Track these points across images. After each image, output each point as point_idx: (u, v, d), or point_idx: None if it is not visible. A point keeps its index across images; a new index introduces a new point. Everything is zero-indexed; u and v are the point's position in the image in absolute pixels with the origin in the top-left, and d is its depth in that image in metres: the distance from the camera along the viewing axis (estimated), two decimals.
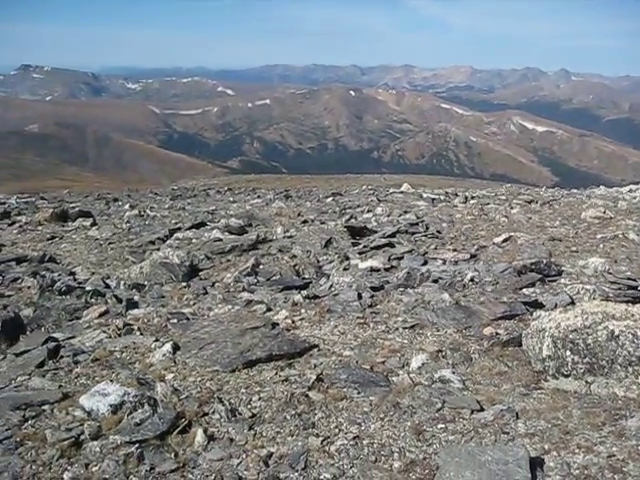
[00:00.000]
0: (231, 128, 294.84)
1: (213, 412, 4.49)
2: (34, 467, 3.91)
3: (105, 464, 3.89)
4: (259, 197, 23.76)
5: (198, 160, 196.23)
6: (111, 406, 4.47)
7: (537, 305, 6.85)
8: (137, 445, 4.06)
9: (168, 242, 11.83)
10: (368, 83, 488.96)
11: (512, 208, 15.46)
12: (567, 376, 4.88)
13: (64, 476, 3.81)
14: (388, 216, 14.68)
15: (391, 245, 10.65)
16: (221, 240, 11.33)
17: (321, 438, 4.19)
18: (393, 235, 11.38)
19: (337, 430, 4.31)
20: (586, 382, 4.78)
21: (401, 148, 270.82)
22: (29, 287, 8.81)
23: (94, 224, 14.88)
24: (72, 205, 19.96)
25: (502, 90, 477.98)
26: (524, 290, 7.55)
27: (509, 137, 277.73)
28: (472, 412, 4.47)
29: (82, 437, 4.20)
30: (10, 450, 4.10)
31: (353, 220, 13.93)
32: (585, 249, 10.15)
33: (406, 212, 15.15)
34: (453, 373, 5.09)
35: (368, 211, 16.09)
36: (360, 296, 7.26)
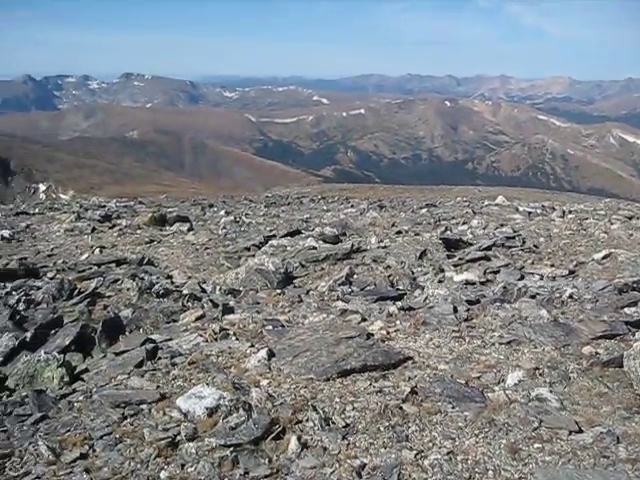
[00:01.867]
0: (325, 137, 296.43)
1: (307, 420, 4.50)
2: (132, 464, 4.02)
3: (200, 465, 3.96)
4: (353, 206, 23.74)
5: (292, 168, 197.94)
6: (207, 409, 4.55)
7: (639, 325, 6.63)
8: (232, 449, 4.11)
9: (263, 249, 11.95)
10: (464, 94, 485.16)
11: (612, 224, 15.04)
12: None
13: (161, 475, 3.90)
14: (484, 229, 14.50)
15: (487, 258, 10.51)
16: (315, 248, 11.37)
17: (415, 451, 4.14)
18: (489, 248, 11.24)
19: (431, 444, 4.26)
20: None
21: (496, 160, 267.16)
22: (128, 289, 9.03)
23: (191, 229, 15.16)
24: (169, 210, 20.37)
25: (602, 102, 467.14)
26: (625, 309, 7.29)
27: (608, 150, 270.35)
28: (570, 433, 4.33)
29: (178, 438, 4.29)
30: (110, 446, 4.23)
31: (448, 232, 13.79)
32: None
33: (502, 225, 14.93)
34: (550, 392, 4.96)
35: (463, 223, 15.92)
36: (456, 309, 7.17)
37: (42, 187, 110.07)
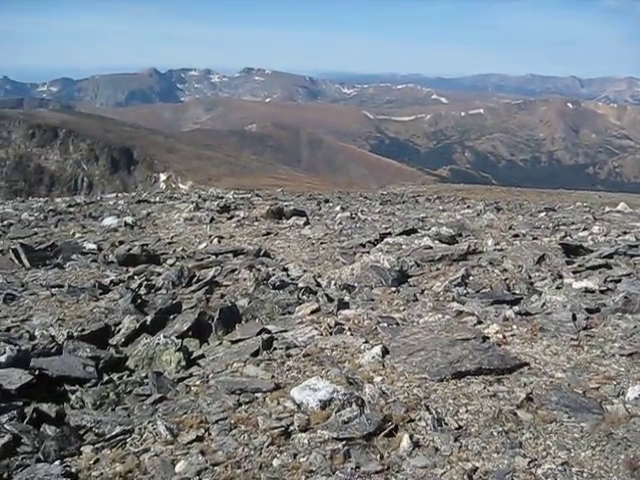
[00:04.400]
0: (443, 136, 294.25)
1: (419, 419, 4.47)
2: (246, 450, 4.10)
3: (312, 456, 4.00)
4: (469, 207, 23.39)
5: (408, 166, 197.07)
6: (320, 401, 4.59)
7: None
8: (344, 442, 4.13)
9: (378, 246, 11.90)
10: (587, 96, 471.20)
11: None
12: None
13: (273, 462, 3.96)
14: (605, 236, 14.01)
15: (608, 266, 10.13)
16: (431, 248, 11.23)
17: (528, 459, 4.04)
18: (610, 256, 10.85)
19: (545, 453, 4.14)
20: None
21: (619, 165, 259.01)
22: (245, 279, 9.21)
23: (307, 223, 15.26)
24: (286, 204, 20.56)
25: None
26: None
27: None
28: None
29: (291, 428, 4.35)
30: (225, 431, 4.34)
31: (568, 237, 13.41)
32: None
33: (625, 233, 14.39)
34: None
35: (584, 229, 15.45)
36: (574, 317, 6.95)
37: (162, 177, 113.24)
